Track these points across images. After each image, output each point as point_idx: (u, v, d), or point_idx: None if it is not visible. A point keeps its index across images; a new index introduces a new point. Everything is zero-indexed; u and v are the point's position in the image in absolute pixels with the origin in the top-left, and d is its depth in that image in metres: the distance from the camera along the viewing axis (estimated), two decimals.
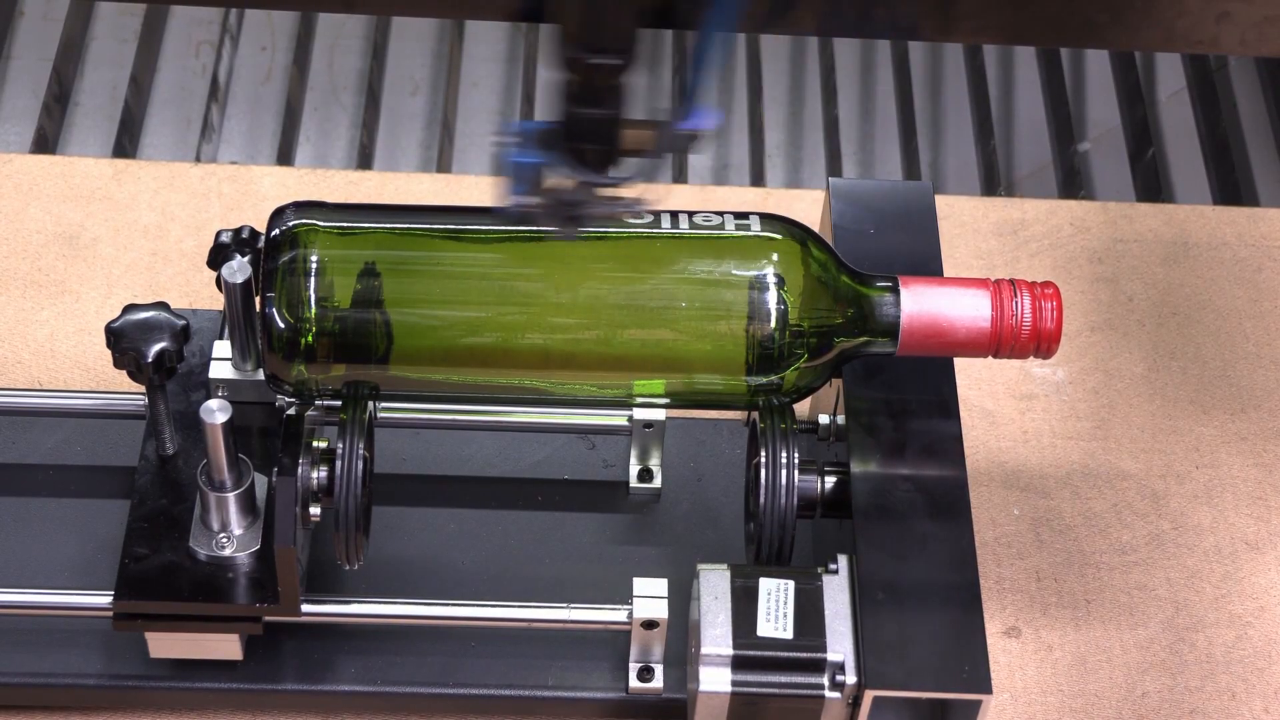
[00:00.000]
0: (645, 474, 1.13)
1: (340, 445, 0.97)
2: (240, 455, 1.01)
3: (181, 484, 1.05)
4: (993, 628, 1.13)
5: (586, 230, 0.97)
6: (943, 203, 1.34)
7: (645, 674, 1.05)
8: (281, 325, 0.96)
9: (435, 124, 1.69)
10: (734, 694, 0.95)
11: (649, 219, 0.98)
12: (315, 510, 0.98)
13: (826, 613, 0.96)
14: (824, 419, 1.06)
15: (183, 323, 1.02)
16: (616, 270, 0.97)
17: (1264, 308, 1.31)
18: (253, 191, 1.34)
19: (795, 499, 0.98)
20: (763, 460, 0.98)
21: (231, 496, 1.01)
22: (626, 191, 0.83)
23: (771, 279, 0.97)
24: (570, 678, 1.06)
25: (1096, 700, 1.11)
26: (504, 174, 0.84)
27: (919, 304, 0.98)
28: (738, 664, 0.95)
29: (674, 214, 0.99)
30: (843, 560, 0.98)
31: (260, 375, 1.05)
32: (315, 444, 0.99)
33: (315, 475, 0.98)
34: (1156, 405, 1.25)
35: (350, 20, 1.75)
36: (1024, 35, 0.85)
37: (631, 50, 0.78)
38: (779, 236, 0.98)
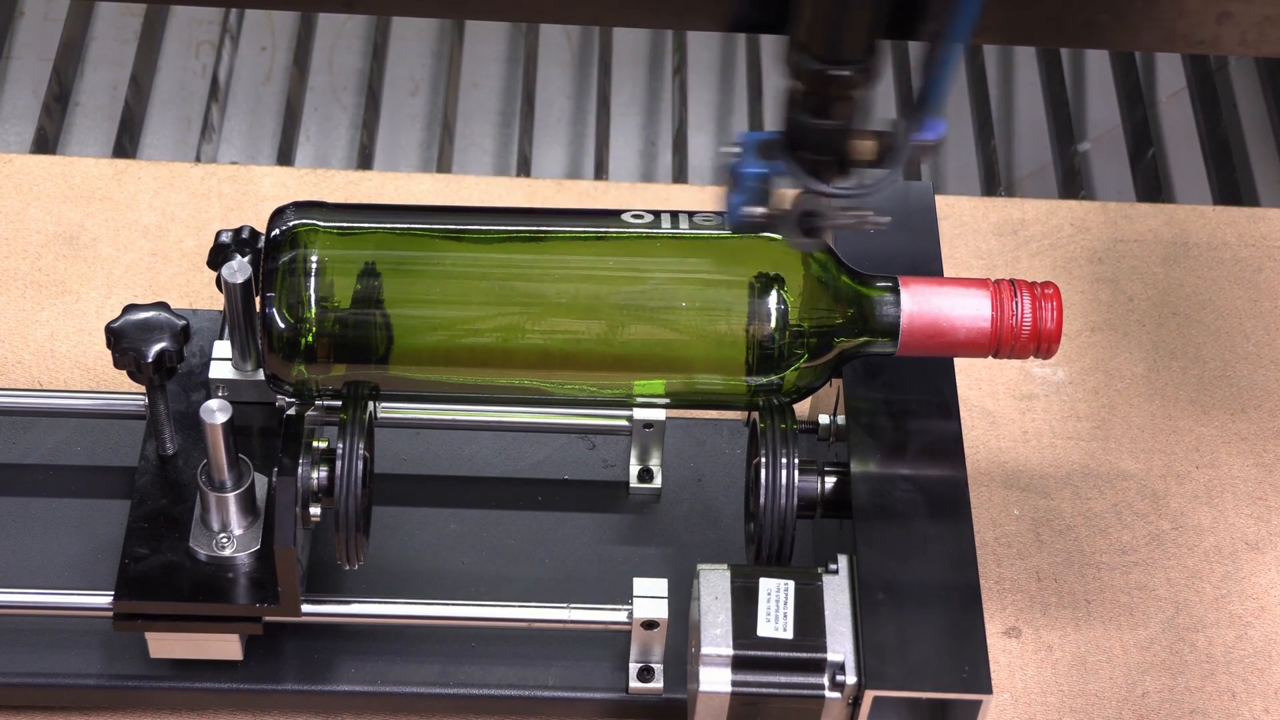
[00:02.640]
0: (645, 474, 1.13)
1: (340, 445, 0.97)
2: (240, 455, 1.01)
3: (181, 484, 1.05)
4: (993, 628, 1.13)
5: (575, 231, 0.97)
6: (943, 203, 1.34)
7: (645, 674, 1.05)
8: (281, 325, 0.96)
9: (435, 124, 1.69)
10: (734, 694, 0.95)
11: (647, 219, 0.98)
12: (315, 510, 0.98)
13: (826, 613, 0.96)
14: (824, 419, 1.06)
15: (183, 323, 1.02)
16: (617, 270, 0.97)
17: (1264, 308, 1.31)
18: (253, 191, 1.34)
19: (795, 499, 0.98)
20: (763, 460, 0.98)
21: (231, 496, 1.01)
22: (858, 202, 0.84)
23: (772, 279, 0.97)
24: (570, 678, 1.06)
25: (1096, 700, 1.11)
26: (730, 184, 0.84)
27: (919, 304, 0.98)
28: (738, 664, 0.95)
29: (674, 214, 0.99)
30: (843, 560, 0.98)
31: (260, 375, 1.05)
32: (315, 444, 0.99)
33: (315, 475, 0.98)
34: (1156, 405, 1.25)
35: (350, 20, 1.75)
36: (1024, 35, 0.85)
37: (868, 61, 0.78)
38: (779, 236, 0.98)
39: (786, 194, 0.84)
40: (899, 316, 0.98)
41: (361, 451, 0.97)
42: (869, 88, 0.80)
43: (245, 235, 1.04)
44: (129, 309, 1.02)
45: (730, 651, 0.95)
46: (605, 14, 0.86)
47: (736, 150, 0.84)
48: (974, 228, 1.35)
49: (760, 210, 0.85)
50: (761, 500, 0.98)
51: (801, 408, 1.08)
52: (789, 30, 0.79)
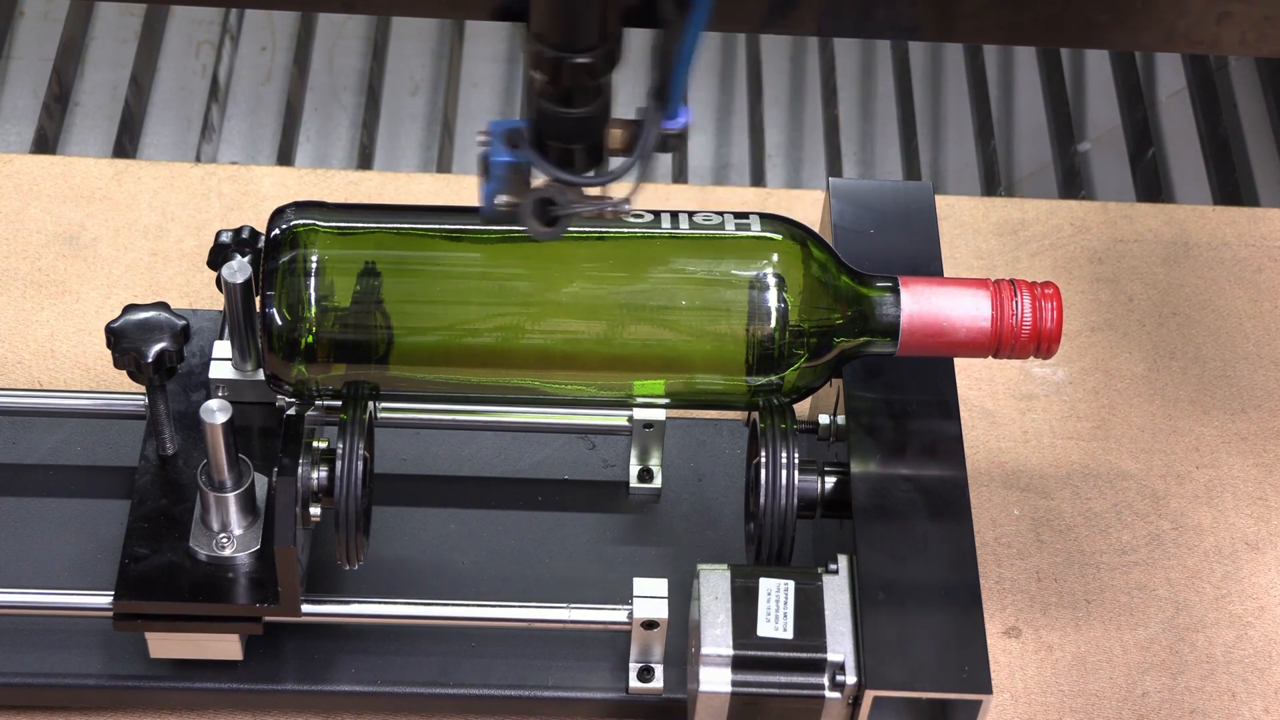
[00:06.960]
0: (645, 474, 1.13)
1: (340, 445, 0.97)
2: (240, 455, 1.01)
3: (181, 484, 1.05)
4: (993, 628, 1.13)
5: (575, 231, 0.97)
6: (943, 203, 1.34)
7: (645, 674, 1.05)
8: (281, 325, 0.96)
9: (435, 124, 1.69)
10: (734, 694, 0.95)
11: (647, 218, 0.98)
12: (315, 510, 0.98)
13: (826, 613, 0.96)
14: (824, 419, 1.06)
15: (183, 323, 1.02)
16: (617, 270, 0.97)
17: (1264, 308, 1.31)
18: (253, 191, 1.34)
19: (795, 499, 0.98)
20: (763, 460, 0.98)
21: (231, 496, 1.01)
22: (606, 191, 0.83)
23: (772, 279, 0.97)
24: (570, 678, 1.06)
25: (1096, 700, 1.11)
26: (483, 173, 0.84)
27: (919, 304, 0.98)
28: (738, 664, 0.95)
29: (674, 214, 0.99)
30: (843, 560, 0.98)
31: (260, 375, 1.05)
32: (315, 444, 0.99)
33: (315, 475, 0.98)
34: (1156, 405, 1.25)
35: (350, 20, 1.75)
36: (1024, 35, 0.85)
37: (606, 49, 0.78)
38: (779, 236, 0.98)
39: (540, 183, 0.84)
40: (899, 316, 0.98)
41: (361, 451, 0.97)
42: (608, 76, 0.79)
43: (245, 235, 1.04)
44: (129, 309, 1.02)
45: (730, 651, 0.95)
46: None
47: (487, 139, 0.84)
48: (974, 228, 1.35)
49: (510, 199, 0.84)
50: (761, 500, 0.98)
51: (801, 408, 1.08)
52: (528, 18, 0.79)
